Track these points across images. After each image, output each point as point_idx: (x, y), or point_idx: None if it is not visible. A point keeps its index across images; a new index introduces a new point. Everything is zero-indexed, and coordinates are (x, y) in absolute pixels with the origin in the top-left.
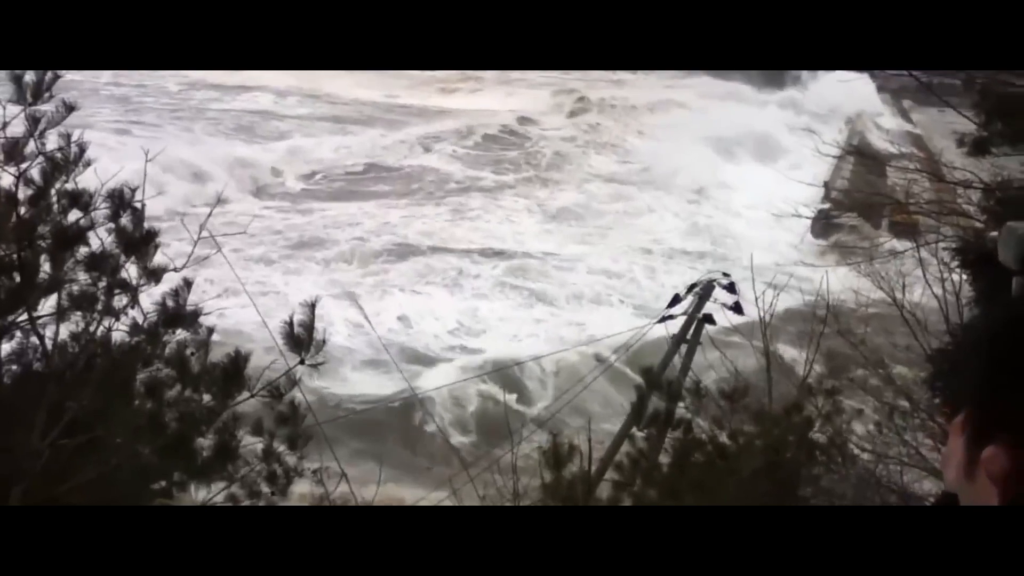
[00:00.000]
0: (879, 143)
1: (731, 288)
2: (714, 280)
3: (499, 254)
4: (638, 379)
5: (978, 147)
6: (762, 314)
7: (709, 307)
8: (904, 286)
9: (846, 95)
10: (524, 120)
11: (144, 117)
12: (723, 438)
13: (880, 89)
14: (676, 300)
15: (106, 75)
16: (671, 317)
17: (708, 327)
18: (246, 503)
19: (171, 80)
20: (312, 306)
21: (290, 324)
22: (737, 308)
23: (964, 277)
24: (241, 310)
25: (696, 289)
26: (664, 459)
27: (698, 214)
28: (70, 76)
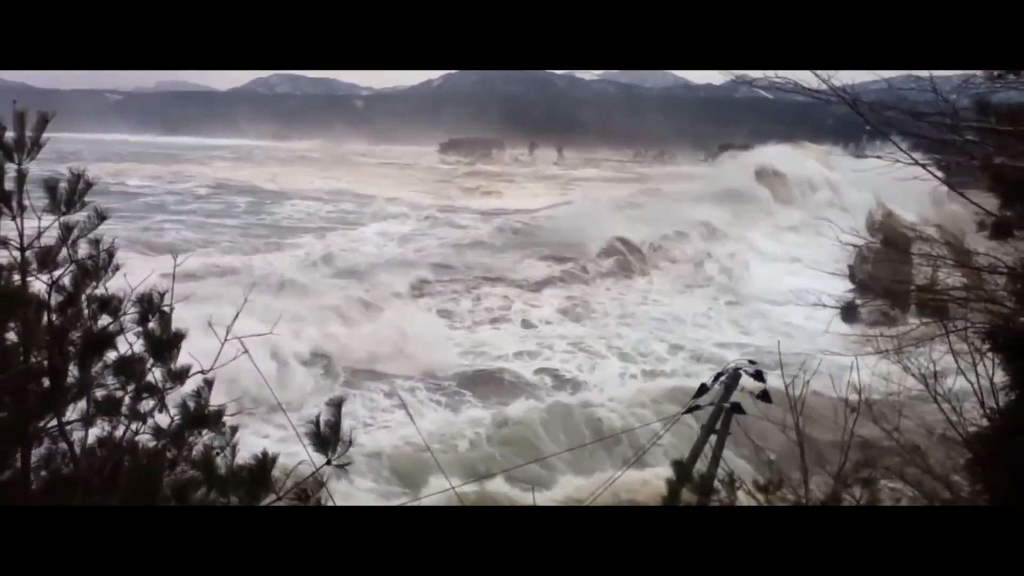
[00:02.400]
0: (901, 228)
1: (758, 376)
2: (740, 368)
3: None
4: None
5: (999, 230)
6: (793, 403)
7: (737, 396)
8: (936, 372)
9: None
10: None
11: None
12: None
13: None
14: (703, 390)
15: (135, 179)
16: (698, 407)
17: (737, 415)
18: None
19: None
20: (339, 405)
21: (316, 424)
22: (765, 396)
23: (996, 361)
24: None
25: (722, 378)
26: None
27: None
28: (104, 180)
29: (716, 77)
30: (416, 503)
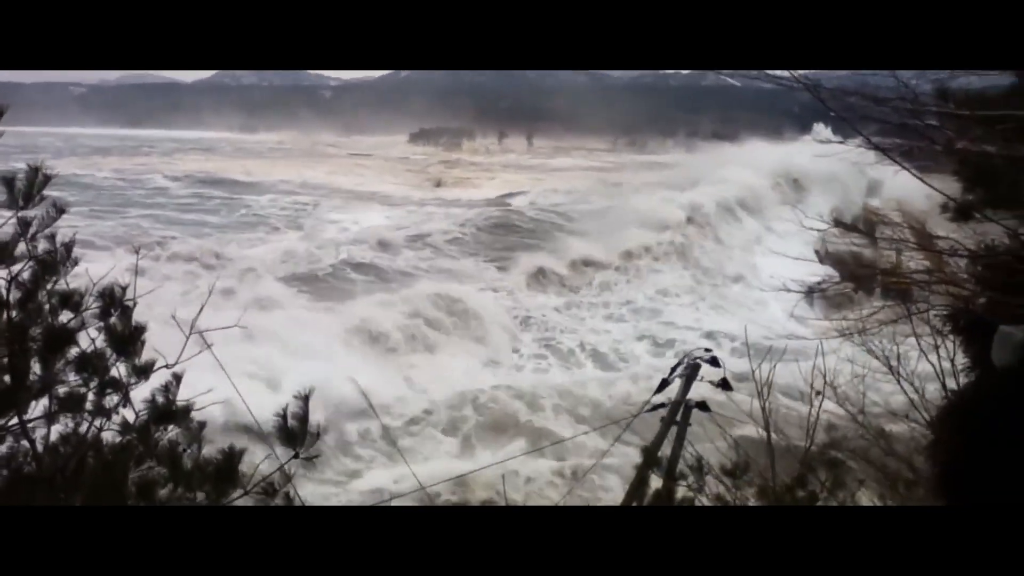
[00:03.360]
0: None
1: (714, 362)
2: (697, 358)
3: None
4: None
5: (962, 213)
6: (760, 388)
7: (696, 385)
8: (899, 355)
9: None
10: None
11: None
12: None
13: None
14: (664, 384)
15: (106, 171)
16: (662, 405)
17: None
18: None
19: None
20: (306, 398)
21: (284, 417)
22: (725, 384)
23: (956, 343)
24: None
25: (680, 370)
26: None
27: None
28: (70, 171)
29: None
30: (387, 503)
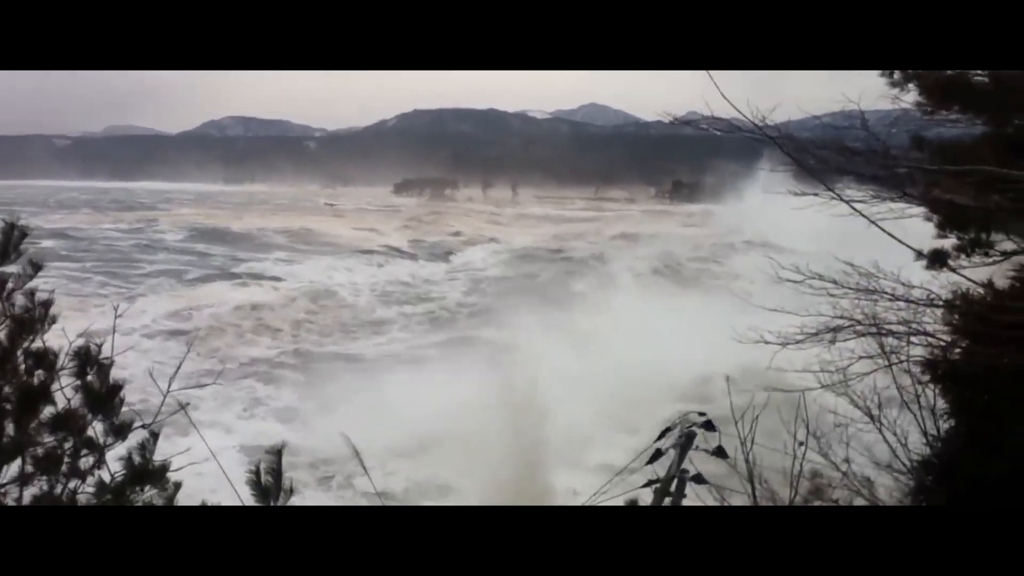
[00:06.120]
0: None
1: (709, 426)
2: (691, 424)
3: None
4: None
5: (936, 260)
6: (742, 438)
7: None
8: (880, 403)
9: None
10: None
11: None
12: None
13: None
14: (658, 455)
15: (88, 225)
16: (657, 481)
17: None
18: None
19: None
20: (279, 452)
21: (256, 472)
22: (721, 452)
23: (936, 391)
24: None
25: (675, 441)
26: None
27: None
28: (56, 225)
29: (665, 115)
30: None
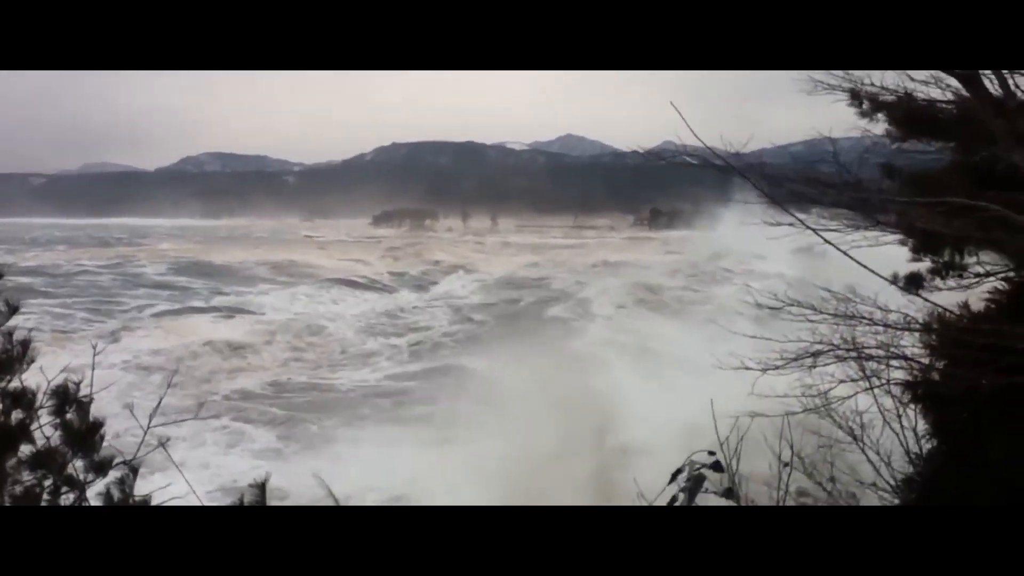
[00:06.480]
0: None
1: (717, 467)
2: (700, 466)
3: None
4: None
5: (913, 282)
6: (728, 461)
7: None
8: (863, 424)
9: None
10: None
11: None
12: None
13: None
14: (672, 503)
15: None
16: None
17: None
18: None
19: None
20: (263, 486)
21: (240, 504)
22: (730, 494)
23: (917, 411)
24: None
25: (685, 487)
26: None
27: None
28: (35, 263)
29: (642, 145)
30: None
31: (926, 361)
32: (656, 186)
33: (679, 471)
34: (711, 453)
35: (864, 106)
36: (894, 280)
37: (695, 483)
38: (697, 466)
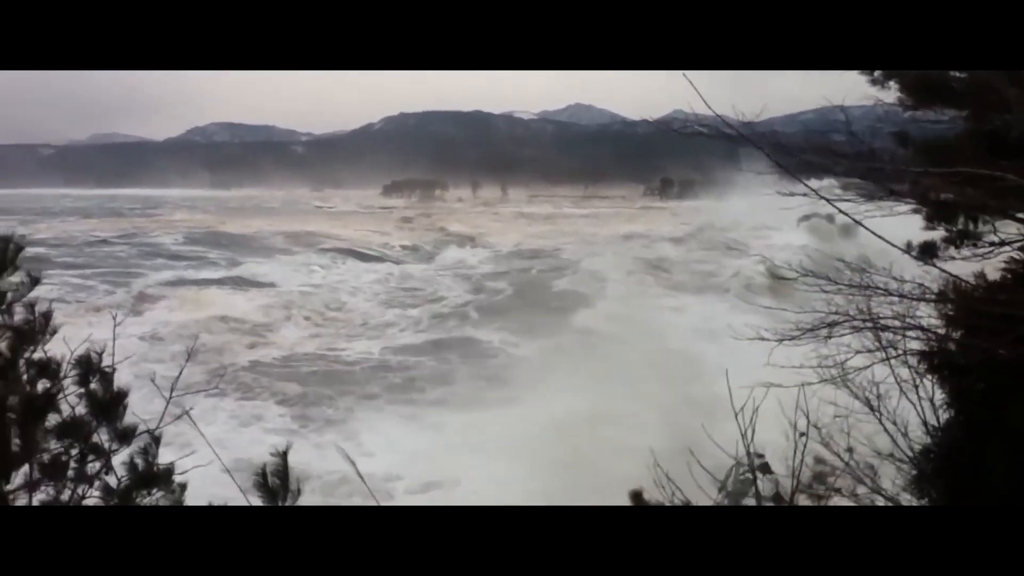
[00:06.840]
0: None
1: (765, 468)
2: (745, 469)
3: None
4: None
5: (927, 251)
6: (743, 429)
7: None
8: (879, 395)
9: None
10: None
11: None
12: None
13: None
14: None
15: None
16: None
17: None
18: None
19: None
20: (284, 454)
21: (263, 474)
22: (779, 499)
23: (933, 381)
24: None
25: (731, 485)
26: None
27: None
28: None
29: (651, 113)
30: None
31: (942, 331)
32: (666, 155)
33: (727, 476)
34: (759, 455)
35: (875, 74)
36: (908, 249)
37: (743, 487)
38: (743, 470)
